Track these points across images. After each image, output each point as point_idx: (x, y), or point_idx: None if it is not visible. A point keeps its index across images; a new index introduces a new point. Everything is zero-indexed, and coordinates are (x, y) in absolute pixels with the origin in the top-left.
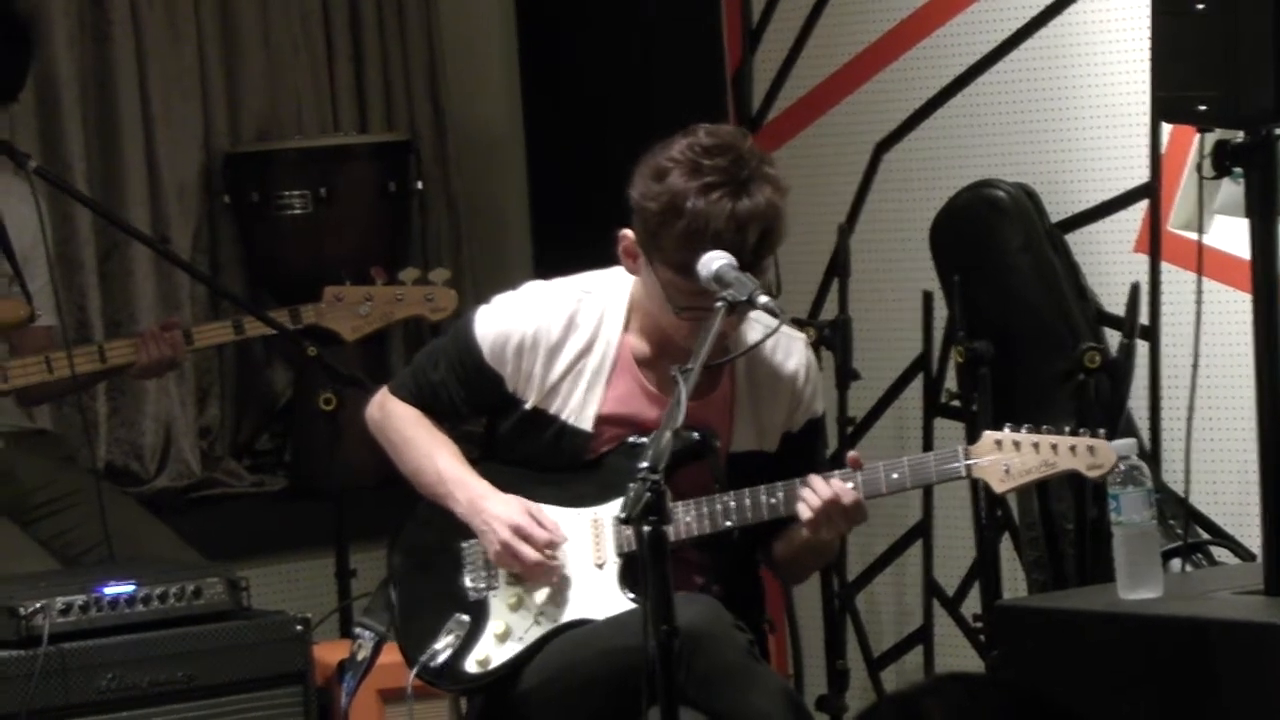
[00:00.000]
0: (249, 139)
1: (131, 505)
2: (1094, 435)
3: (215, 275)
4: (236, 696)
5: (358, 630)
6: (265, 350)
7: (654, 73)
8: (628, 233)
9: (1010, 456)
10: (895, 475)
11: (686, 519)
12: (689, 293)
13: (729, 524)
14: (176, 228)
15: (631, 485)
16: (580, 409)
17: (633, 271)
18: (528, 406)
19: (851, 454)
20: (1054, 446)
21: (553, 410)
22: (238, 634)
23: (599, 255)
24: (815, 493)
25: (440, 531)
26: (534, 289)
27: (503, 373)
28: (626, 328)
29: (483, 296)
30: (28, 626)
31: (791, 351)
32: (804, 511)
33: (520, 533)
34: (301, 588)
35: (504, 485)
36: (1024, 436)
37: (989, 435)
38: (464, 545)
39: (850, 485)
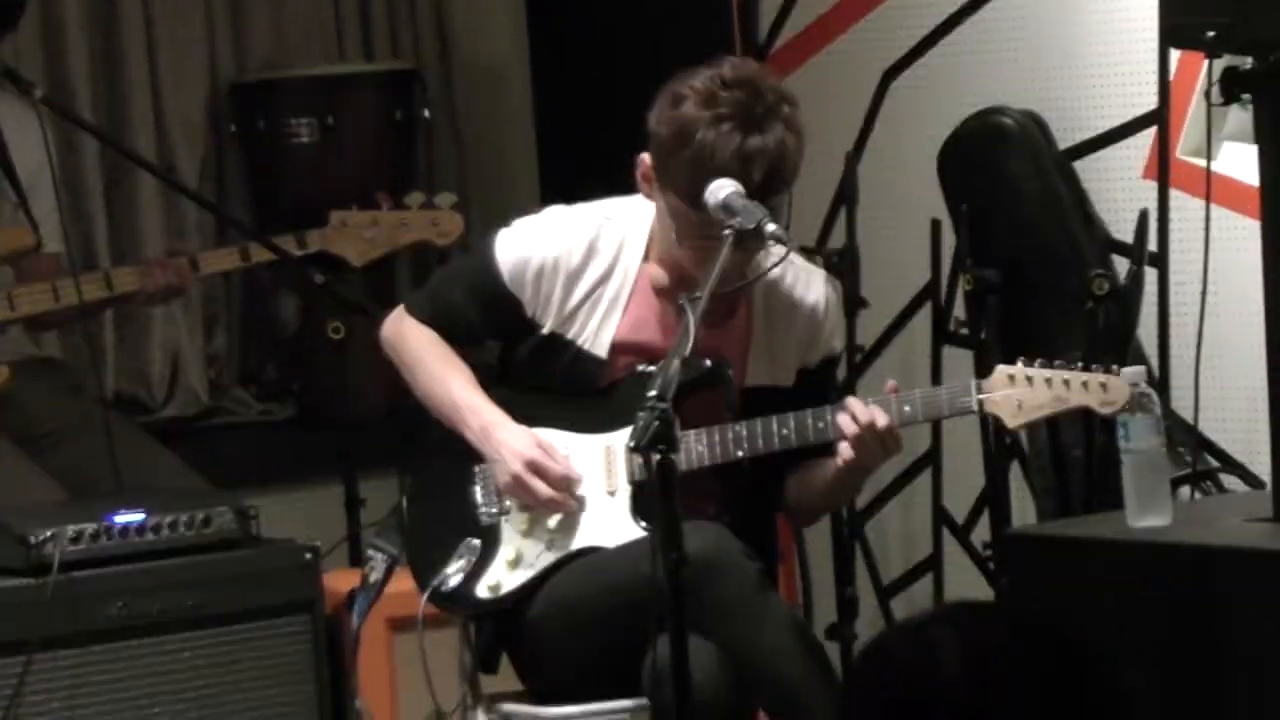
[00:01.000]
0: (254, 68)
1: (140, 434)
2: (1107, 371)
3: (222, 204)
4: (246, 625)
5: (370, 552)
6: (272, 279)
7: (660, 1)
8: (645, 157)
9: (1023, 391)
10: (907, 408)
11: (698, 448)
12: (694, 223)
13: (740, 454)
14: (182, 157)
15: (640, 413)
16: (596, 335)
17: (649, 197)
18: (545, 331)
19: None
20: (1066, 382)
21: (569, 335)
22: (247, 562)
23: (605, 185)
24: (854, 416)
25: (453, 456)
26: (555, 213)
27: (521, 297)
28: (646, 256)
29: (489, 225)
30: (38, 555)
31: (811, 285)
32: (846, 429)
33: (533, 466)
34: (310, 516)
35: (518, 411)
36: (1036, 371)
37: (1001, 370)
38: (477, 470)
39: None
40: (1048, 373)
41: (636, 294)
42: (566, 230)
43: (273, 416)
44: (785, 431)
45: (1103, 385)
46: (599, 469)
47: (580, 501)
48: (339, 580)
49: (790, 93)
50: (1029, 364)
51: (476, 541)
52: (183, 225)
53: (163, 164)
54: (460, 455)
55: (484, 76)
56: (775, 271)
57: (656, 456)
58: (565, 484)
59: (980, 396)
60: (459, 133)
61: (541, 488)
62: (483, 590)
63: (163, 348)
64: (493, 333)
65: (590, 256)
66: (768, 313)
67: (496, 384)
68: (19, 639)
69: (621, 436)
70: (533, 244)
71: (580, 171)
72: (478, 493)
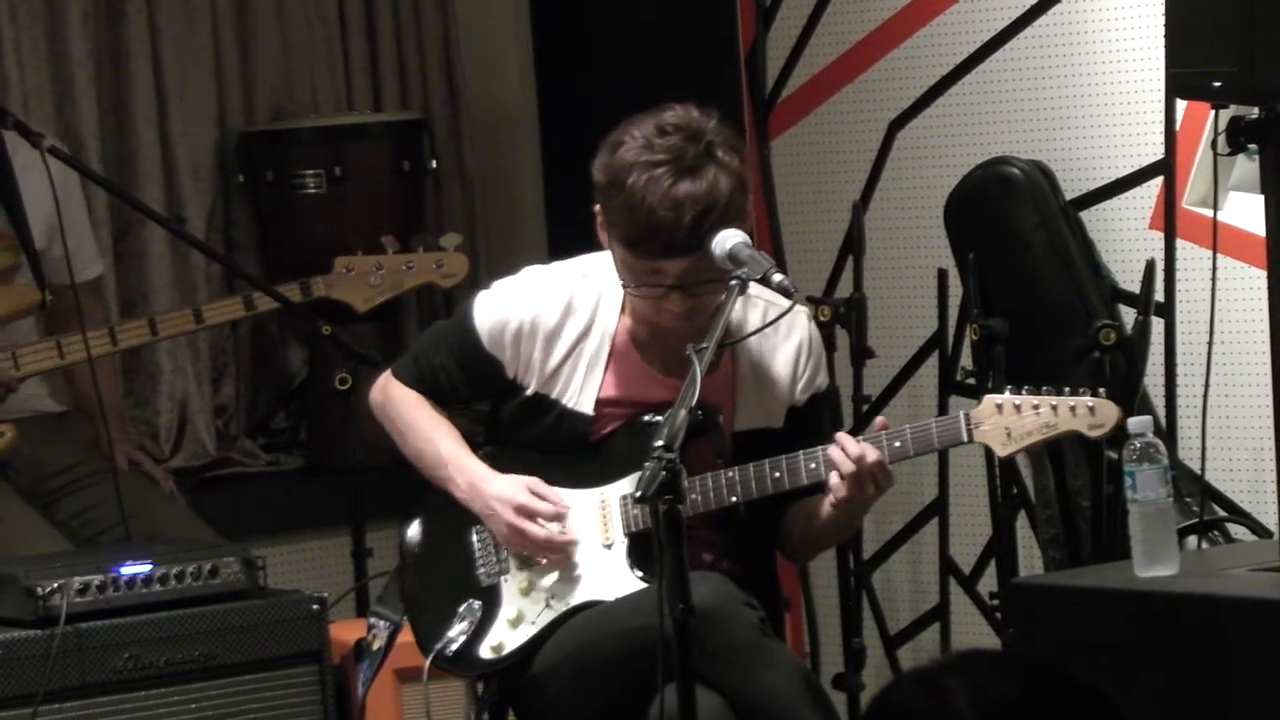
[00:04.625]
0: (263, 118)
1: (149, 485)
2: (1094, 394)
3: (230, 255)
4: (253, 675)
5: (372, 620)
6: (280, 329)
7: (667, 51)
8: (600, 211)
9: (1011, 419)
10: (898, 443)
11: (692, 496)
12: (636, 270)
13: (734, 499)
14: (191, 207)
15: (646, 464)
16: (580, 393)
17: (606, 246)
18: (529, 392)
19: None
20: (1054, 408)
21: (554, 395)
22: (254, 613)
23: None
24: (845, 452)
25: (450, 519)
26: (531, 274)
27: (502, 359)
28: (624, 310)
29: (496, 275)
30: (45, 606)
31: (793, 327)
32: (836, 473)
33: (524, 511)
34: (318, 566)
35: (508, 469)
36: (1024, 399)
37: (989, 399)
38: (473, 531)
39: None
40: (1034, 399)
41: (616, 349)
42: (542, 290)
43: (280, 467)
44: (778, 474)
45: (1090, 409)
46: (594, 522)
47: (577, 555)
48: (346, 630)
49: (733, 138)
50: (1016, 391)
51: (477, 603)
52: (192, 277)
53: (171, 214)
54: (457, 518)
55: (492, 126)
56: (756, 313)
57: (664, 506)
58: (558, 520)
59: (969, 427)
60: (468, 183)
61: (535, 529)
62: (486, 651)
63: (170, 398)
64: (476, 394)
65: (567, 315)
66: (751, 357)
67: (488, 443)
68: (26, 691)
69: (615, 489)
70: (509, 306)
71: (588, 222)
72: (476, 554)
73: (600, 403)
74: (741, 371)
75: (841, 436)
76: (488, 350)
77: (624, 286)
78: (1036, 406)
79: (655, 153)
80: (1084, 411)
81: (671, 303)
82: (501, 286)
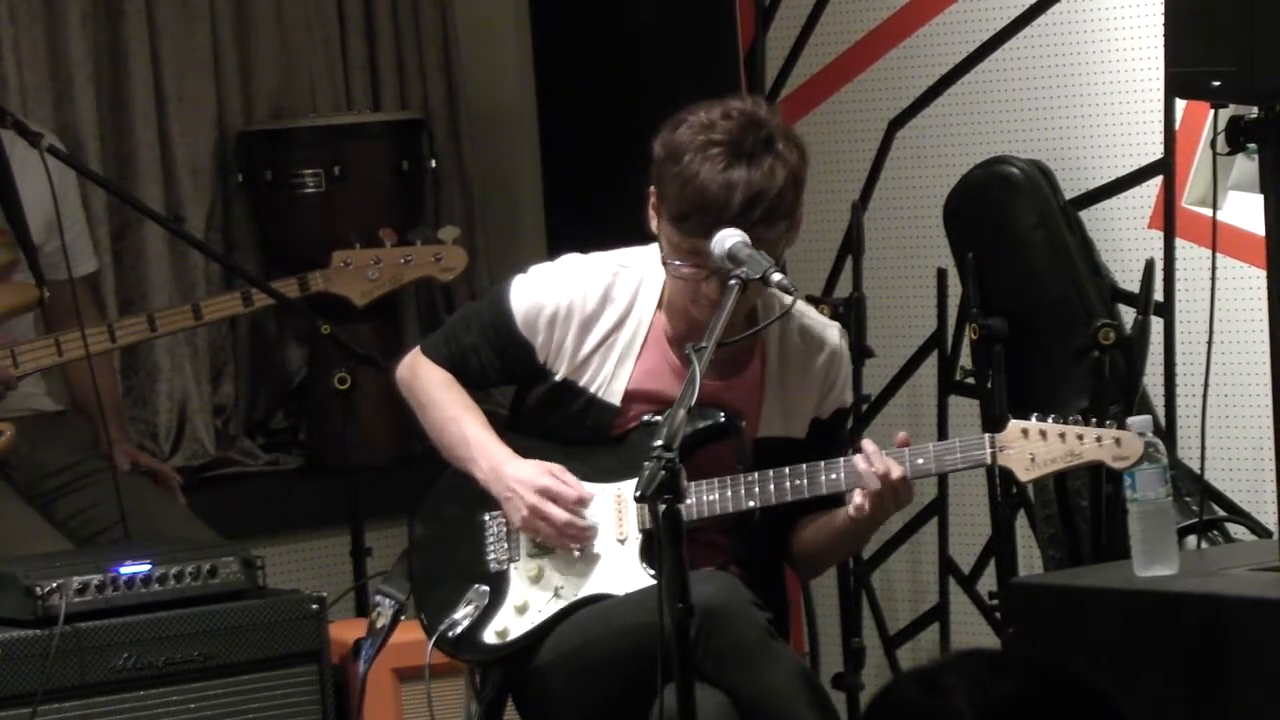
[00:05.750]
0: (262, 117)
1: (148, 484)
2: (1120, 427)
3: (229, 254)
4: (252, 675)
5: (377, 599)
6: (279, 328)
7: (667, 50)
8: (654, 188)
9: (1036, 446)
10: (920, 460)
11: (710, 498)
12: (680, 249)
13: (751, 504)
14: (190, 206)
15: (646, 463)
16: (609, 383)
17: (656, 230)
18: (558, 378)
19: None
20: (1080, 437)
21: (582, 383)
22: (253, 613)
23: (612, 231)
24: (869, 465)
25: (462, 503)
26: (571, 261)
27: (534, 342)
28: (660, 305)
29: (496, 274)
30: (44, 606)
31: (825, 340)
32: (862, 477)
33: (547, 494)
34: (317, 566)
35: (529, 456)
36: (1050, 426)
37: (1015, 424)
38: (486, 517)
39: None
40: (1061, 427)
41: (650, 342)
42: (581, 277)
43: (279, 466)
44: (798, 482)
45: (1116, 441)
46: (610, 517)
47: (589, 548)
48: (345, 630)
49: (796, 135)
50: (1043, 418)
51: (485, 588)
52: (191, 276)
53: (170, 214)
54: (469, 502)
55: (491, 126)
56: (794, 324)
57: (663, 506)
58: (580, 505)
59: (994, 450)
60: (466, 182)
61: (558, 513)
62: (490, 636)
63: (170, 398)
64: (505, 377)
65: (604, 304)
66: (781, 364)
67: (509, 431)
68: (25, 690)
69: (632, 485)
70: (547, 290)
71: (588, 219)
72: (487, 539)
73: (628, 394)
74: (770, 379)
75: (867, 448)
76: (520, 333)
77: (665, 263)
78: (1062, 435)
79: (715, 133)
80: (1110, 443)
81: (709, 288)
82: (540, 271)
